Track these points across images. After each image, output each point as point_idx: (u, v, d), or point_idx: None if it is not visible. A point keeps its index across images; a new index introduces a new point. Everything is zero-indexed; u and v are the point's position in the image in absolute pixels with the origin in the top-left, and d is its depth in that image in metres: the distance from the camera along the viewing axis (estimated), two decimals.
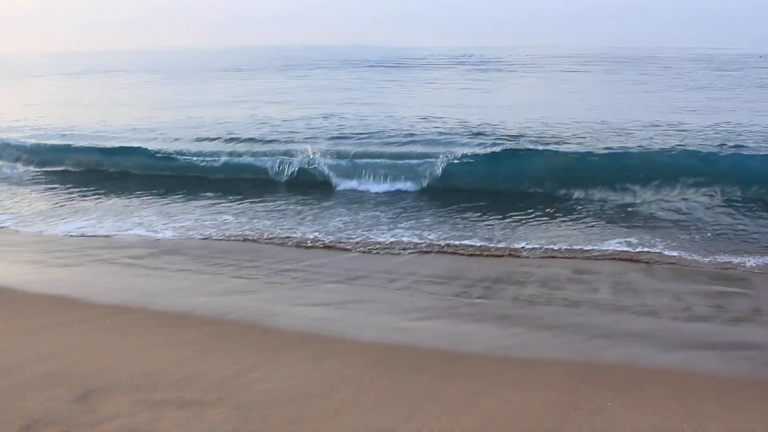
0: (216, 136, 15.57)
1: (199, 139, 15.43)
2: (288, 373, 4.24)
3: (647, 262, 7.05)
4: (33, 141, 15.73)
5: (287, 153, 12.85)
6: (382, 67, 49.28)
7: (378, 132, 15.30)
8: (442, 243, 7.95)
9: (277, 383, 4.07)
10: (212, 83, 36.69)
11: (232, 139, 15.12)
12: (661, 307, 5.65)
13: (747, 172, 10.45)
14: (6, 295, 6.06)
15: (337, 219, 9.35)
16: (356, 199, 10.87)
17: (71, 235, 8.74)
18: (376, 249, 7.82)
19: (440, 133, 14.75)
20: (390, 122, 16.95)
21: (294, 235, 8.45)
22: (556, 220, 9.03)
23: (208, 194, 11.34)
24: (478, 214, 9.46)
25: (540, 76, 37.85)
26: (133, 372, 4.23)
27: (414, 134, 14.72)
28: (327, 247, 7.99)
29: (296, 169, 12.35)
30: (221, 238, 8.51)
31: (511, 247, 7.72)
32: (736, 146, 12.03)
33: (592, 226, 8.72)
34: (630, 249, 7.49)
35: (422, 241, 8.04)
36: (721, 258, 7.12)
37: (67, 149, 14.84)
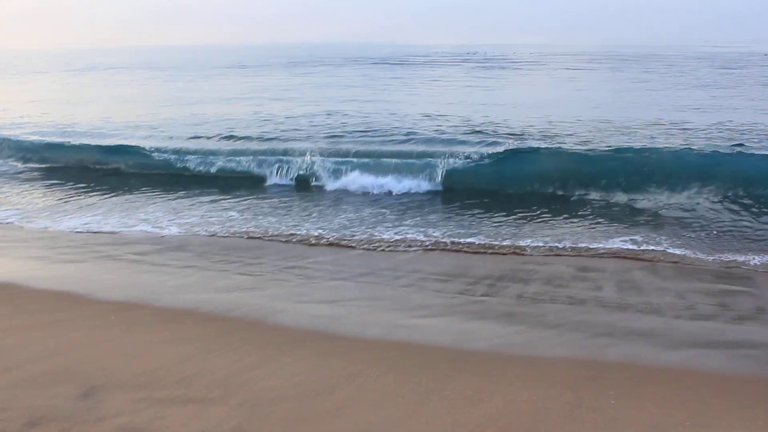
0: (216, 134, 15.54)
1: (197, 137, 15.43)
2: (291, 370, 4.25)
3: (651, 260, 7.04)
4: (36, 138, 15.78)
5: (288, 152, 12.80)
6: (386, 65, 49.17)
7: (381, 129, 15.28)
8: (447, 240, 7.95)
9: (280, 381, 4.08)
10: (216, 80, 36.69)
11: (231, 137, 15.11)
12: (665, 305, 5.65)
13: (751, 171, 10.40)
14: (11, 291, 6.08)
15: (342, 216, 9.35)
16: (360, 196, 10.88)
17: (76, 231, 8.76)
18: (381, 246, 7.82)
19: (443, 131, 14.71)
20: (393, 120, 16.93)
21: (298, 232, 8.46)
22: (561, 218, 9.02)
23: (214, 190, 11.37)
24: (483, 211, 9.46)
25: (544, 73, 37.70)
26: (137, 369, 4.24)
27: (417, 132, 14.67)
28: (331, 244, 7.99)
29: (297, 169, 12.27)
30: (226, 234, 8.52)
31: (516, 244, 7.72)
32: (740, 144, 11.99)
33: (597, 224, 8.71)
34: (634, 247, 7.48)
35: (427, 239, 8.04)
36: (726, 256, 7.10)
37: (70, 147, 14.87)
